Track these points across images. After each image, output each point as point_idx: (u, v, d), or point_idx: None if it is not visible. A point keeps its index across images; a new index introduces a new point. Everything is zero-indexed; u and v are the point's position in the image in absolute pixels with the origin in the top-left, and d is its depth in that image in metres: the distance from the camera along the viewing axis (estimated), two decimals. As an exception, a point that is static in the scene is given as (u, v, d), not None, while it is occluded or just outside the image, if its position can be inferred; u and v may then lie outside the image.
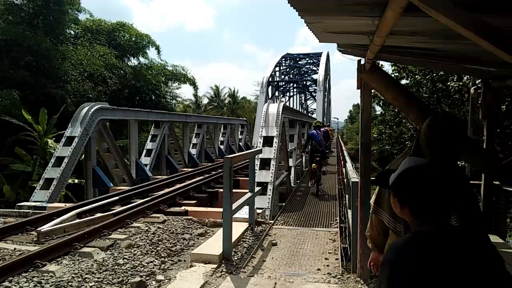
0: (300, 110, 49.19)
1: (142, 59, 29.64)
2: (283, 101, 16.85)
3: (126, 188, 11.43)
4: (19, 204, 9.67)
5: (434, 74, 14.65)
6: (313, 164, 11.22)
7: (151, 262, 5.16)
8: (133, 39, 28.09)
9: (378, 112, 19.18)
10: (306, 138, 13.78)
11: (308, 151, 11.77)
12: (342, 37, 3.02)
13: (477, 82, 4.62)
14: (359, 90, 4.48)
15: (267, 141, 10.10)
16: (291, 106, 45.77)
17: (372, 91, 4.53)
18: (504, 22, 1.73)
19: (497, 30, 1.34)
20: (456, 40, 2.22)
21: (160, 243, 6.01)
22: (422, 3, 1.40)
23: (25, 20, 21.40)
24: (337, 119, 70.04)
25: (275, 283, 4.52)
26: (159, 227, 6.86)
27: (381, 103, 16.68)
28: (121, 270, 4.81)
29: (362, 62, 4.28)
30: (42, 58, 19.84)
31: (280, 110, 10.66)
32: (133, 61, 29.26)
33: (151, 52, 43.47)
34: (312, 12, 2.14)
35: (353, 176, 5.60)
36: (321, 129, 11.79)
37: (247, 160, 7.17)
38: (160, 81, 29.00)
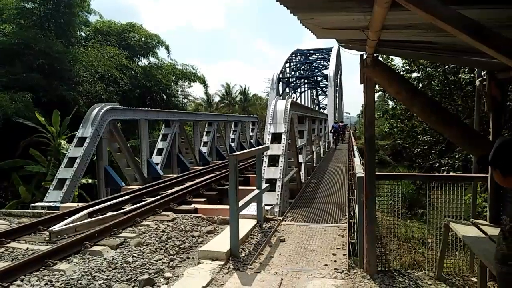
0: (312, 106, 49.03)
1: (152, 59, 29.78)
2: (292, 97, 17.86)
3: (138, 187, 11.56)
4: (33, 204, 9.87)
5: (446, 67, 14.39)
6: (334, 137, 26.97)
7: (160, 259, 5.23)
8: (143, 39, 28.21)
9: (391, 106, 18.97)
10: (331, 127, 27.77)
11: (333, 132, 27.25)
12: (339, 33, 3.01)
13: (482, 73, 4.56)
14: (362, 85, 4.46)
15: (276, 137, 10.07)
16: (302, 102, 45.64)
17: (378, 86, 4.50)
18: (485, 14, 1.70)
19: (477, 23, 1.33)
20: (447, 33, 2.20)
21: (169, 241, 6.09)
22: (401, -2, 1.39)
23: (36, 24, 21.69)
24: (349, 114, 69.61)
25: (282, 279, 4.54)
26: (168, 225, 6.94)
27: (391, 97, 16.49)
28: (130, 268, 4.89)
29: (365, 56, 4.26)
30: (54, 60, 20.08)
31: (288, 106, 10.61)
32: (143, 61, 29.41)
33: (161, 52, 43.76)
34: (303, 9, 2.14)
35: (359, 171, 5.59)
36: (339, 124, 29.77)
37: (257, 157, 7.19)
38: (170, 80, 29.10)
